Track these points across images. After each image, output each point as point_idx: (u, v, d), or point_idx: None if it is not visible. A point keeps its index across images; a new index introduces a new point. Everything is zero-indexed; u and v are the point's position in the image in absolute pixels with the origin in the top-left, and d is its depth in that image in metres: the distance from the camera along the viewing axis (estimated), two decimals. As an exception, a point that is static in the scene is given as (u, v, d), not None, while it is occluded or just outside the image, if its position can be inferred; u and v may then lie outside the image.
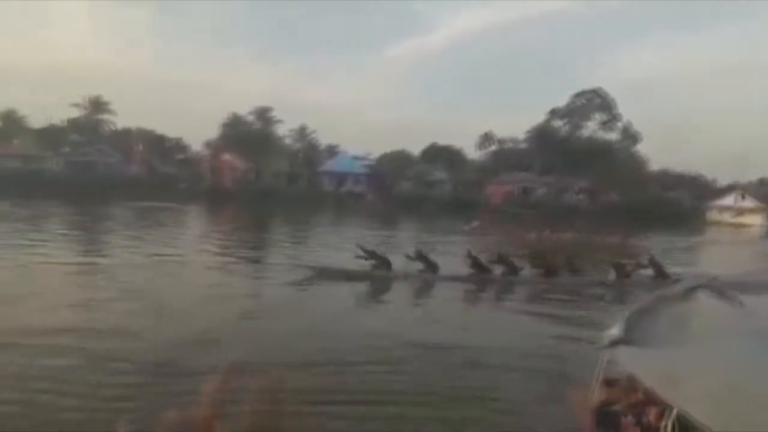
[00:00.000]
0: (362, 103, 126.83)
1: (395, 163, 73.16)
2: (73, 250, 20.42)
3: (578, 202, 63.78)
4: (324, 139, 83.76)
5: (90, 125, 74.11)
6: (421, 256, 17.18)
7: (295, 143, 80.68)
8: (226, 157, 67.09)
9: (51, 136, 67.94)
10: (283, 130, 79.90)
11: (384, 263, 16.95)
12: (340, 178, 68.78)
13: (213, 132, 77.86)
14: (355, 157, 73.37)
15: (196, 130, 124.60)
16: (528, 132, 78.94)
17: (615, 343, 3.72)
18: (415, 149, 79.73)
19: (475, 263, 17.09)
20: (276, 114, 78.31)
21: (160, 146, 74.02)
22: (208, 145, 76.67)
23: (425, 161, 74.95)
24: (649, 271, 17.43)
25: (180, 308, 12.00)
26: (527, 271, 17.50)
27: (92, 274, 15.56)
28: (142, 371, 7.86)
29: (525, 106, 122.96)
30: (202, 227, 34.20)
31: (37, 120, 72.92)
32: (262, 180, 65.35)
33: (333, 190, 65.17)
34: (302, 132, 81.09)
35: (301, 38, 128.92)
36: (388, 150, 77.94)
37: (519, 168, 70.73)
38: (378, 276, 16.49)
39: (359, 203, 57.64)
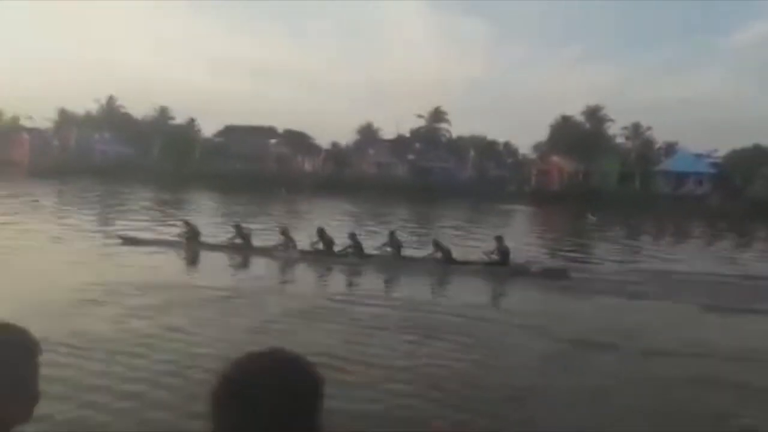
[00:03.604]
0: (705, 96, 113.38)
1: (747, 160, 63.30)
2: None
3: None
4: (662, 137, 77.17)
5: (430, 134, 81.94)
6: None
7: (628, 142, 76.33)
8: (554, 158, 66.96)
9: (399, 145, 77.20)
10: (616, 128, 76.49)
11: None
12: (680, 178, 62.37)
13: (543, 134, 78.63)
14: (698, 155, 65.79)
15: (527, 132, 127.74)
16: None
17: None
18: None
19: None
20: (608, 112, 75.51)
21: (491, 151, 77.85)
22: (537, 147, 77.81)
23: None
24: None
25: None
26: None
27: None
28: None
29: None
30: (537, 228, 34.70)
31: (388, 132, 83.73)
32: (590, 181, 63.34)
33: (671, 191, 59.48)
34: (636, 129, 76.13)
35: (635, 32, 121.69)
36: (737, 147, 68.17)
37: None
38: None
39: (701, 206, 51.31)
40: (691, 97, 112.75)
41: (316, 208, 38.35)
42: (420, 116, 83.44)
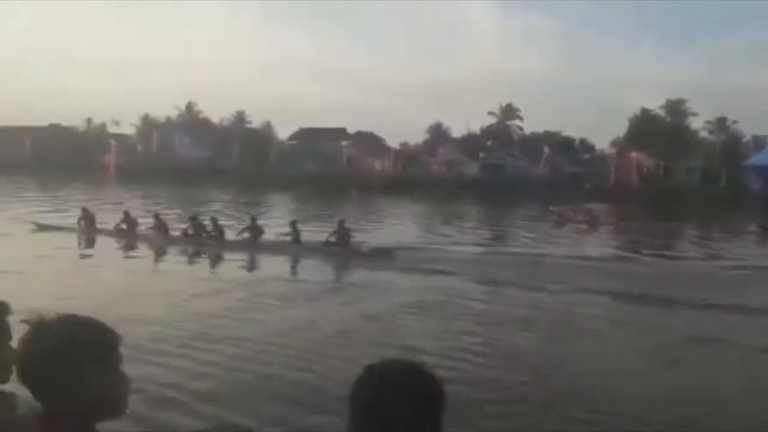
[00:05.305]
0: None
1: None
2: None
3: None
4: (750, 130, 72.48)
5: (502, 131, 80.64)
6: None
7: (711, 136, 72.36)
8: (633, 154, 64.35)
9: (470, 143, 76.49)
10: (699, 122, 72.68)
11: None
12: (770, 173, 58.46)
13: (621, 129, 75.79)
14: (791, 148, 61.53)
15: (604, 128, 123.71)
16: None
17: None
18: None
19: None
20: (691, 105, 71.87)
21: (565, 147, 75.69)
22: (614, 143, 75.12)
23: None
24: None
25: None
26: None
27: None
28: None
29: None
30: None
31: (458, 129, 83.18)
32: (672, 177, 60.58)
33: (760, 188, 55.89)
34: (721, 123, 72.01)
35: (717, 19, 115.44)
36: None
37: None
38: None
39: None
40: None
41: (382, 208, 38.85)
42: (491, 113, 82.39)
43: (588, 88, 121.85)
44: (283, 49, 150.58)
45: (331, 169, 65.97)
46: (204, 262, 17.00)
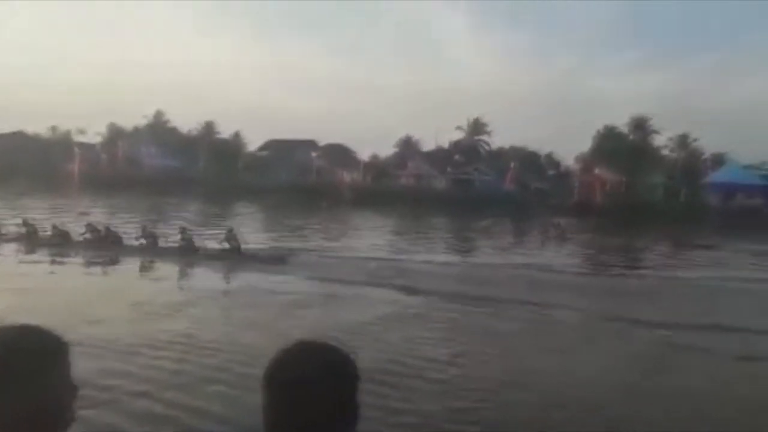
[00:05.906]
0: (757, 103, 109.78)
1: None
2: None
3: None
4: (711, 148, 74.56)
5: (470, 146, 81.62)
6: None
7: (673, 153, 74.37)
8: (597, 170, 65.66)
9: (438, 157, 77.09)
10: (662, 139, 74.57)
11: None
12: (728, 190, 60.30)
13: (586, 145, 77.34)
14: (747, 167, 63.48)
15: (571, 141, 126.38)
16: None
17: None
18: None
19: None
20: (655, 123, 73.67)
21: (531, 163, 76.81)
22: (578, 159, 76.54)
23: None
24: None
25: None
26: None
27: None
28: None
29: None
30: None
31: (427, 143, 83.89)
32: (634, 193, 61.99)
33: (719, 204, 57.56)
34: (683, 140, 74.16)
35: (693, 37, 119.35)
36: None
37: None
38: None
39: (753, 219, 49.33)
40: (744, 104, 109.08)
41: (349, 220, 39.07)
42: (459, 128, 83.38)
43: (559, 103, 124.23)
44: (253, 56, 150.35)
45: (301, 181, 65.95)
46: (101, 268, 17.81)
